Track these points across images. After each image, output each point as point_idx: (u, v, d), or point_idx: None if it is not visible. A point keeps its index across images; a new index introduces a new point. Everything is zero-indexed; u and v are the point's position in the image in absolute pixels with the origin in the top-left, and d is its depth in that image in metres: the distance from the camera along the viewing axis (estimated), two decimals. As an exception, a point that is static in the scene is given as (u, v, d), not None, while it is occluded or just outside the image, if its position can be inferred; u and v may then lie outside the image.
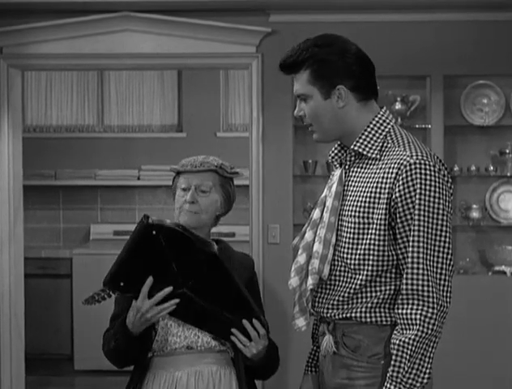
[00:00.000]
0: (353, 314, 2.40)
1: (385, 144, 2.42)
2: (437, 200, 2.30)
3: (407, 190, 2.31)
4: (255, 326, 2.65)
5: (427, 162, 2.31)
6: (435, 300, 2.28)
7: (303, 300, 2.50)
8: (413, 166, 2.31)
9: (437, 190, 2.30)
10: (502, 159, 5.51)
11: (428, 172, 2.30)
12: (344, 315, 2.41)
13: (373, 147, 2.43)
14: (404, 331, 2.31)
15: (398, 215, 2.33)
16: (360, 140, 2.44)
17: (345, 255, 2.43)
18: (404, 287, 2.31)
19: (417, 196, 2.30)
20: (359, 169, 2.45)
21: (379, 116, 2.48)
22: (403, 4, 5.20)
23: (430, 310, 2.29)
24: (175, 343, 2.74)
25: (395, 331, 2.33)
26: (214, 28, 5.27)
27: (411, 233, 2.31)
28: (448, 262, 2.31)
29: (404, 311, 2.30)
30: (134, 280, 2.58)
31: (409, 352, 2.31)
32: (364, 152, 2.43)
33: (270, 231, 5.35)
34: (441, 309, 2.31)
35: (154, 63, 5.46)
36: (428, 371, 2.39)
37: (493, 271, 5.47)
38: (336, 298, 2.43)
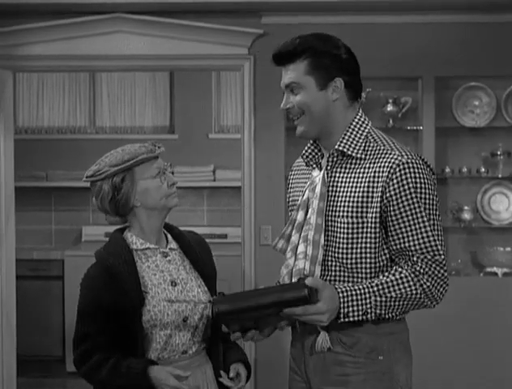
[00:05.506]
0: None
1: (367, 144, 2.50)
2: (428, 194, 2.42)
3: (401, 188, 2.40)
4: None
5: (417, 161, 2.43)
6: (443, 258, 2.41)
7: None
8: (406, 165, 2.41)
9: (428, 186, 2.43)
10: (494, 160, 5.52)
11: (419, 170, 2.42)
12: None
13: (357, 147, 2.50)
14: (418, 276, 2.39)
15: (392, 212, 2.40)
16: (344, 140, 2.50)
17: (341, 256, 2.46)
18: (413, 247, 2.39)
19: (412, 191, 2.40)
20: (343, 169, 2.50)
21: (358, 117, 2.56)
22: (394, 6, 5.21)
23: (441, 271, 2.41)
24: (173, 351, 2.73)
25: (408, 263, 2.41)
26: (206, 30, 5.27)
27: (409, 219, 2.40)
28: (442, 238, 2.43)
29: (419, 265, 2.39)
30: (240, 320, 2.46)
31: (406, 289, 2.38)
32: (349, 152, 2.49)
33: (263, 232, 5.35)
34: (445, 274, 2.42)
35: (146, 65, 5.46)
36: (401, 311, 2.43)
37: (485, 272, 5.49)
38: None
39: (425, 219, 2.40)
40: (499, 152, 5.50)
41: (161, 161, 2.76)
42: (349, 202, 2.45)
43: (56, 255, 7.01)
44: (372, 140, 2.51)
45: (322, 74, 2.47)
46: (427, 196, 2.42)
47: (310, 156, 2.60)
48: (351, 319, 2.35)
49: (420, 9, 5.26)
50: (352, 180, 2.47)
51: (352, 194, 2.45)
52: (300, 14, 5.27)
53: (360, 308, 2.34)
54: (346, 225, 2.44)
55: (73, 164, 7.43)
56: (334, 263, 2.47)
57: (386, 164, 2.42)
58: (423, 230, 2.40)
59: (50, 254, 7.08)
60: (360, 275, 2.45)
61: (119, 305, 2.65)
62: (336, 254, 2.47)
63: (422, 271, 2.39)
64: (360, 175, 2.46)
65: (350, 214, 2.44)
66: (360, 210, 2.43)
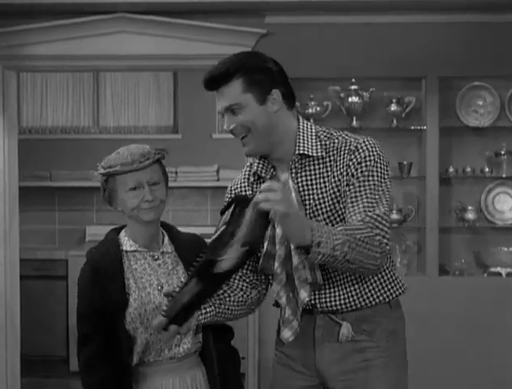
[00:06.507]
0: (365, 301, 2.54)
1: (322, 143, 2.55)
2: (385, 168, 2.53)
3: (363, 164, 2.48)
4: None
5: (371, 141, 2.54)
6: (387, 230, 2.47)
7: (292, 312, 2.55)
8: (363, 145, 2.51)
9: (384, 162, 2.53)
10: (497, 160, 5.52)
11: (376, 148, 2.53)
12: (356, 305, 2.53)
13: (315, 147, 2.54)
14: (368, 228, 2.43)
15: (352, 185, 2.48)
16: (301, 144, 2.54)
17: None
18: (363, 215, 2.44)
19: (371, 164, 2.49)
20: (307, 172, 2.54)
21: (302, 121, 2.60)
22: (397, 6, 5.21)
23: (386, 237, 2.45)
24: (158, 355, 2.73)
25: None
26: (209, 30, 5.27)
27: (367, 184, 2.48)
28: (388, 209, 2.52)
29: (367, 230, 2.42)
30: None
31: (366, 236, 2.40)
32: (311, 153, 2.53)
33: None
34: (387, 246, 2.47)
35: (149, 64, 5.46)
36: (360, 257, 2.40)
37: (489, 272, 5.48)
38: (346, 291, 2.54)
39: (381, 193, 2.48)
40: (503, 152, 5.49)
41: (146, 175, 2.69)
42: (324, 201, 2.51)
43: (60, 255, 7.02)
44: (325, 138, 2.55)
45: (258, 89, 2.48)
46: (383, 170, 2.51)
47: (263, 171, 2.60)
48: (321, 252, 2.31)
49: (424, 9, 5.26)
50: (320, 179, 2.52)
51: (325, 194, 2.51)
52: (303, 13, 5.27)
53: (330, 241, 2.32)
54: (332, 222, 2.50)
55: (77, 163, 7.44)
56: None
57: (347, 152, 2.50)
58: (374, 200, 2.47)
59: (54, 254, 7.09)
60: None
61: (105, 305, 2.67)
62: None
63: (370, 223, 2.44)
64: (327, 173, 2.52)
65: (329, 210, 2.50)
66: (335, 203, 2.50)
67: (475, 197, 5.58)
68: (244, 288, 2.65)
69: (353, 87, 5.42)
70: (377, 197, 2.47)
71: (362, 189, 2.47)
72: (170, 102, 7.66)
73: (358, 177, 2.48)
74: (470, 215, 5.48)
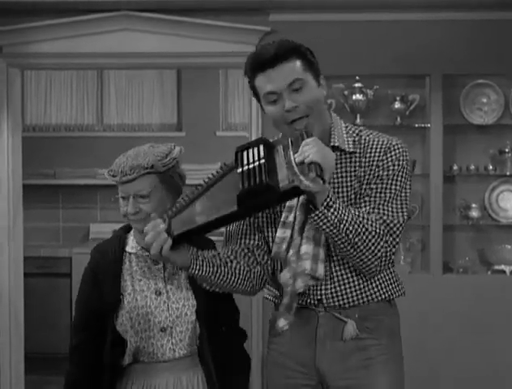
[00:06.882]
0: (369, 297, 2.53)
1: (352, 139, 2.53)
2: (410, 174, 2.53)
3: (392, 166, 2.48)
4: None
5: (403, 145, 2.54)
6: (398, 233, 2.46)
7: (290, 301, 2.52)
8: (397, 147, 2.50)
9: (410, 168, 2.55)
10: (501, 158, 5.51)
11: (406, 152, 2.53)
12: (362, 300, 2.53)
13: (348, 142, 2.53)
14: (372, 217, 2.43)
15: (374, 180, 2.47)
16: (335, 136, 2.52)
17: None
18: (377, 215, 2.44)
19: (400, 168, 2.49)
20: (336, 165, 2.49)
21: (333, 114, 2.60)
22: (402, 4, 5.20)
23: (393, 240, 2.44)
24: (151, 357, 2.71)
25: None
26: (213, 27, 5.27)
27: (389, 182, 2.47)
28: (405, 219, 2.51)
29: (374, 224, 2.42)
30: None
31: (364, 222, 2.39)
32: (344, 148, 2.51)
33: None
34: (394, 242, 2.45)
35: (153, 62, 5.47)
36: (359, 244, 2.39)
37: (493, 270, 5.47)
38: (351, 284, 2.53)
39: (403, 197, 2.48)
40: (507, 150, 5.49)
41: (132, 187, 2.62)
42: (348, 195, 2.49)
43: (64, 253, 7.03)
44: (353, 134, 2.54)
45: (314, 70, 2.47)
46: (407, 178, 2.51)
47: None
48: (328, 216, 2.31)
49: (428, 7, 5.25)
50: (346, 173, 2.51)
51: (349, 187, 2.49)
52: (308, 11, 5.26)
53: (340, 212, 2.33)
54: None
55: (81, 161, 7.45)
56: (337, 258, 2.51)
57: (378, 150, 2.49)
58: (394, 204, 2.46)
59: (58, 252, 7.09)
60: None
61: (97, 303, 2.68)
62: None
63: (381, 227, 2.43)
64: (354, 169, 2.50)
65: (350, 205, 2.48)
66: (356, 199, 2.49)
67: (479, 195, 5.57)
68: (248, 257, 2.58)
69: (357, 84, 5.42)
70: (398, 203, 2.47)
71: (388, 189, 2.47)
72: (174, 100, 7.67)
73: (384, 177, 2.47)
74: (474, 213, 5.47)
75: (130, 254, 2.75)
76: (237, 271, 2.52)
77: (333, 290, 2.53)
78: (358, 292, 2.53)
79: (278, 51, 2.41)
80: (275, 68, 2.41)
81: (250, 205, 2.30)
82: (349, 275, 2.53)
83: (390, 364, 2.56)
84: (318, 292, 2.53)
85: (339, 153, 2.51)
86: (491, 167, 5.46)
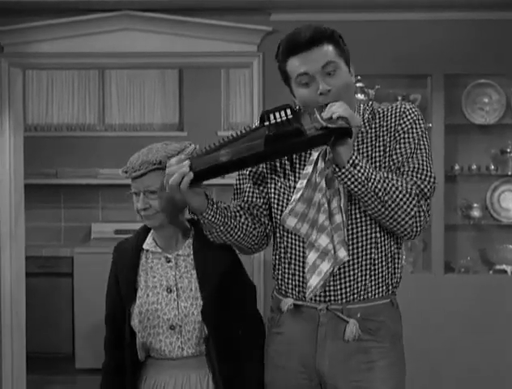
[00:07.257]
0: (372, 296, 2.53)
1: (366, 115, 2.57)
2: (426, 133, 2.57)
3: (412, 128, 2.51)
4: None
5: (415, 107, 2.57)
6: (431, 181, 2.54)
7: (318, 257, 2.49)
8: (412, 109, 2.54)
9: (426, 126, 2.59)
10: (503, 158, 5.51)
11: (420, 113, 2.56)
12: (363, 297, 2.52)
13: (368, 120, 2.56)
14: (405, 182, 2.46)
15: (400, 140, 2.51)
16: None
17: (368, 232, 2.50)
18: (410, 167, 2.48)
19: (419, 127, 2.52)
20: (358, 142, 2.54)
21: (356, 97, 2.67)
22: (403, 3, 5.20)
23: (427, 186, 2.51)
24: (159, 353, 2.75)
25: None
26: (215, 27, 5.27)
27: (412, 145, 2.50)
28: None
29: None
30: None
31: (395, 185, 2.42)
32: (364, 129, 2.55)
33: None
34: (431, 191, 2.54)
35: (155, 62, 5.46)
36: (390, 204, 2.43)
37: (494, 269, 5.48)
38: (353, 278, 2.52)
39: (427, 153, 2.52)
40: (509, 150, 5.49)
41: (142, 183, 2.66)
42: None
43: (65, 252, 7.02)
44: (367, 111, 2.58)
45: (345, 56, 2.51)
46: (428, 138, 2.55)
47: None
48: (354, 174, 2.34)
49: (430, 6, 5.25)
50: (367, 146, 2.53)
51: (373, 159, 2.51)
52: (309, 11, 5.26)
53: (367, 171, 2.36)
54: None
55: (82, 161, 7.45)
56: (355, 244, 2.53)
57: (394, 116, 2.53)
58: (422, 160, 2.51)
59: (59, 252, 7.09)
60: (385, 247, 2.55)
61: (118, 297, 2.78)
62: (362, 232, 2.53)
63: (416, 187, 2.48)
64: (372, 140, 2.53)
65: None
66: (382, 168, 2.51)
67: (480, 194, 5.58)
68: (253, 216, 2.63)
69: (359, 84, 5.42)
70: (425, 164, 2.50)
71: (413, 153, 2.50)
72: (176, 99, 7.67)
73: (407, 140, 2.50)
74: (475, 213, 5.48)
75: (146, 251, 2.80)
76: (244, 227, 2.58)
77: (337, 283, 2.53)
78: (361, 285, 2.52)
79: (314, 34, 2.44)
80: (310, 51, 2.44)
81: (277, 147, 2.36)
82: (351, 272, 2.52)
83: (393, 368, 2.54)
84: (322, 288, 2.52)
85: (360, 133, 2.54)
86: (492, 167, 5.46)
